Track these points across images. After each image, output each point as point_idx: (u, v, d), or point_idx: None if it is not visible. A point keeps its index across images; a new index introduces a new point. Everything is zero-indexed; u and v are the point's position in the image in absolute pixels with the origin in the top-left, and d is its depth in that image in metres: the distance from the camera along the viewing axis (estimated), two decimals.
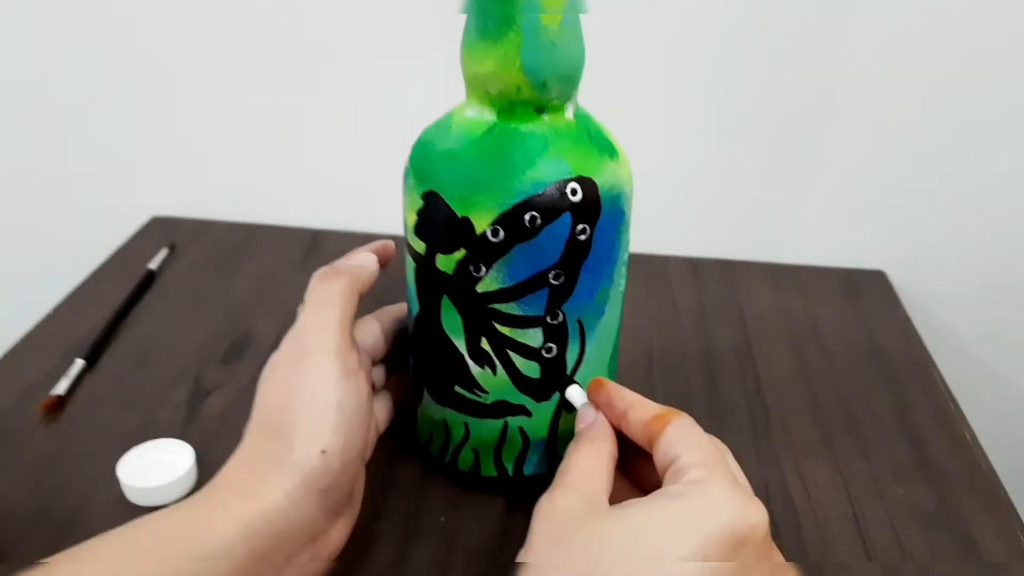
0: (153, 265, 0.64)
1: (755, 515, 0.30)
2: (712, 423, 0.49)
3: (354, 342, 0.38)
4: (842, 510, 0.43)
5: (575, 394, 0.39)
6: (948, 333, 0.68)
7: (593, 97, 0.41)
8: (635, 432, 0.35)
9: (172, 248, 0.67)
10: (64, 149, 0.72)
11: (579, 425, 0.38)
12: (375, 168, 0.67)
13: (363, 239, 0.47)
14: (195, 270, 0.65)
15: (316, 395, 0.36)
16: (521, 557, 0.32)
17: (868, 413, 0.51)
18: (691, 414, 0.49)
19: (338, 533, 0.38)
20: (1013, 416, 0.71)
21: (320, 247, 0.68)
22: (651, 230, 0.67)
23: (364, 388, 0.37)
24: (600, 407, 0.37)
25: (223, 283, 0.63)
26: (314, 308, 0.38)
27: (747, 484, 0.34)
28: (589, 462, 0.35)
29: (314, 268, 0.41)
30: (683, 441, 0.33)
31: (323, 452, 0.35)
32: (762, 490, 0.45)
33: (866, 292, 0.64)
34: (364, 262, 0.41)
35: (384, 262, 0.43)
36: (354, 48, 0.64)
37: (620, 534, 0.30)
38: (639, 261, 0.66)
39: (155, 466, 0.44)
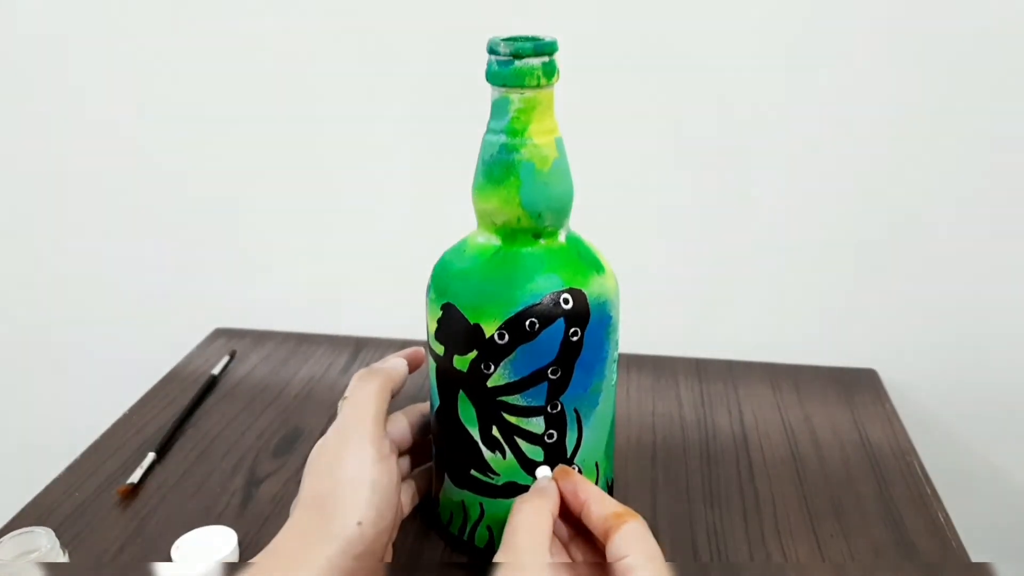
0: (215, 371, 0.73)
1: None
2: (706, 506, 0.55)
3: (386, 432, 0.46)
4: None
5: (542, 472, 0.44)
6: (931, 423, 0.73)
7: (600, 221, 0.49)
8: (593, 521, 0.40)
9: (232, 355, 0.76)
10: (137, 269, 0.81)
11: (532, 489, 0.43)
12: (409, 282, 0.76)
13: (399, 345, 0.55)
14: (252, 375, 0.73)
15: (355, 476, 0.43)
16: None
17: (851, 498, 0.56)
18: (688, 497, 0.56)
19: None
20: (988, 498, 0.75)
21: (363, 353, 0.76)
22: (661, 335, 0.74)
23: (394, 471, 0.45)
24: (563, 492, 0.42)
25: (277, 386, 0.71)
26: (355, 403, 0.46)
27: None
28: (530, 520, 0.39)
29: (357, 371, 0.49)
30: (637, 543, 0.38)
31: (359, 523, 0.42)
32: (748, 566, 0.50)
33: (857, 388, 0.69)
34: (397, 366, 0.49)
35: (414, 366, 0.51)
36: (391, 178, 0.74)
37: None
38: (649, 362, 0.73)
39: (203, 550, 0.51)
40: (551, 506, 0.41)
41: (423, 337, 0.48)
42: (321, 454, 0.45)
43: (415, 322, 0.56)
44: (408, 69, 0.70)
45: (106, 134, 0.76)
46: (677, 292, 0.74)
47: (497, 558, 0.38)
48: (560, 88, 0.44)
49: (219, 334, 0.81)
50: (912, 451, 0.61)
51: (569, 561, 0.42)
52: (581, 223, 0.48)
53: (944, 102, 0.65)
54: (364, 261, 0.78)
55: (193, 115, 0.75)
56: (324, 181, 0.75)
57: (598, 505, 0.41)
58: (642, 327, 0.68)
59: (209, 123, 0.75)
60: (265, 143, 0.75)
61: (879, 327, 0.72)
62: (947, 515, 0.54)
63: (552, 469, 0.45)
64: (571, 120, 0.47)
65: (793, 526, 0.53)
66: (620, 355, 0.51)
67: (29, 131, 0.78)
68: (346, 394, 0.48)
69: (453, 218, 0.49)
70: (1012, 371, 0.72)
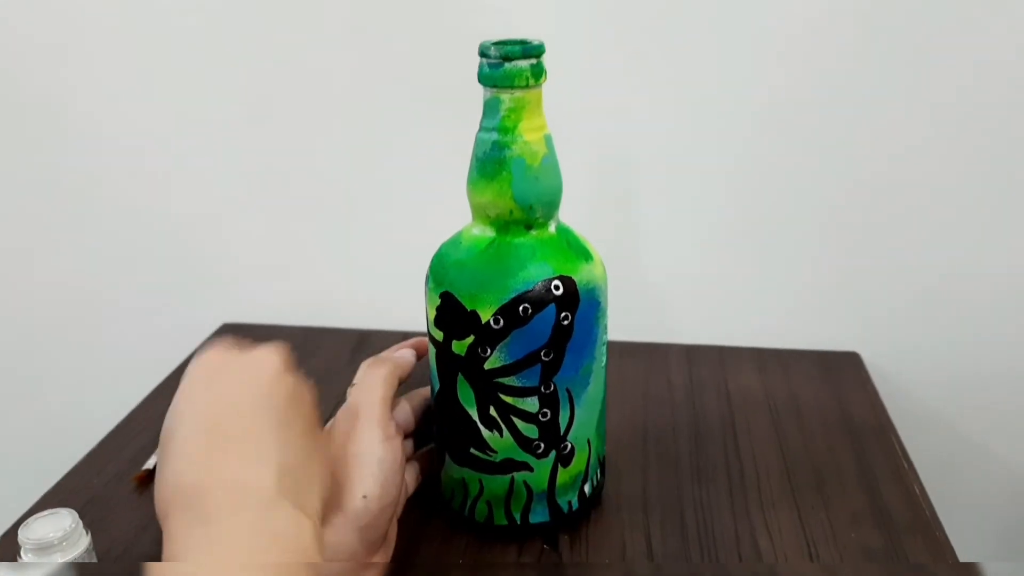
0: None
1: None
2: (694, 481, 0.58)
3: (392, 416, 0.49)
4: (800, 551, 0.51)
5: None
6: (911, 403, 0.75)
7: (588, 213, 0.52)
8: None
9: None
10: (147, 266, 0.83)
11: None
12: (409, 275, 0.79)
13: (402, 336, 0.58)
14: None
15: (362, 453, 0.46)
16: None
17: (832, 472, 0.59)
18: (677, 474, 0.58)
19: (374, 568, 0.47)
20: (962, 469, 0.78)
21: (366, 344, 0.79)
22: (653, 323, 0.77)
23: (399, 451, 0.48)
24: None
25: None
26: (363, 388, 0.49)
27: None
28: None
29: (360, 362, 0.52)
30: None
31: (364, 497, 0.44)
32: (732, 538, 0.53)
33: (841, 371, 0.72)
34: (405, 356, 0.53)
35: (420, 356, 0.54)
36: (391, 175, 0.77)
37: None
38: (641, 348, 0.76)
39: None
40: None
41: (424, 328, 0.51)
42: (330, 435, 0.48)
43: (417, 314, 0.59)
44: (406, 70, 0.72)
45: (112, 127, 0.78)
46: (665, 280, 0.76)
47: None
48: (547, 86, 0.46)
49: (227, 329, 0.83)
50: (891, 428, 0.63)
51: None
52: (571, 215, 0.51)
53: (921, 78, 0.67)
54: (366, 256, 0.80)
55: (198, 111, 0.77)
56: (326, 179, 0.78)
57: None
58: (634, 316, 0.71)
59: (213, 119, 0.77)
60: (269, 140, 0.77)
61: (862, 311, 0.75)
62: (923, 487, 0.56)
63: (549, 449, 0.48)
64: (559, 116, 0.49)
65: (776, 499, 0.56)
66: (613, 343, 0.54)
67: (31, 125, 0.79)
68: (355, 380, 0.51)
69: (450, 212, 0.52)
70: (992, 353, 0.75)
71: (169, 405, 0.41)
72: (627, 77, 0.70)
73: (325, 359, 0.77)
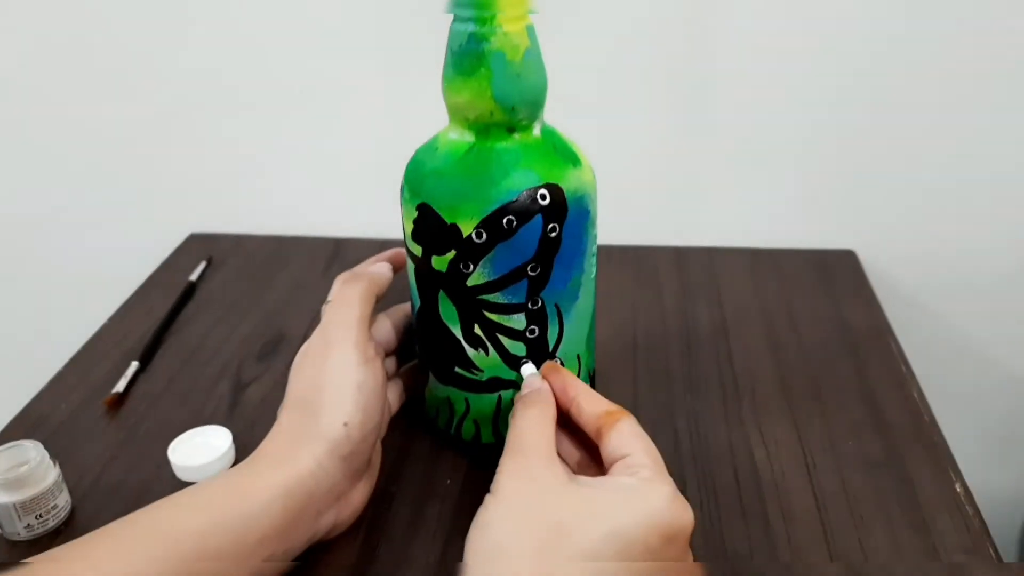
0: (193, 277, 0.72)
1: (689, 519, 0.37)
2: (686, 392, 0.56)
3: (371, 335, 0.46)
4: (797, 461, 0.50)
5: (528, 370, 0.45)
6: (910, 304, 0.74)
7: (575, 110, 0.48)
8: (584, 419, 0.41)
9: (209, 261, 0.75)
10: (106, 175, 0.79)
11: (524, 390, 0.44)
12: (385, 181, 0.75)
13: (379, 246, 0.54)
14: (231, 280, 0.73)
15: (340, 378, 0.43)
16: (490, 504, 0.37)
17: (829, 378, 0.57)
18: (668, 385, 0.56)
19: (359, 495, 0.45)
20: (961, 373, 0.77)
21: (342, 254, 0.75)
22: (641, 225, 0.74)
23: (380, 373, 0.45)
24: (553, 388, 0.43)
25: (256, 290, 0.71)
26: (339, 307, 0.46)
27: None
28: (537, 425, 0.40)
29: (336, 273, 0.48)
30: (635, 441, 0.39)
31: (345, 424, 0.42)
32: (726, 448, 0.51)
33: (836, 271, 0.70)
34: (381, 270, 0.49)
35: (396, 268, 0.51)
36: (362, 75, 0.72)
37: (580, 504, 0.36)
38: (628, 252, 0.73)
39: (199, 448, 0.52)
40: (551, 411, 0.42)
41: (401, 236, 0.48)
42: (306, 357, 0.45)
43: (394, 220, 0.55)
44: None
45: (83, 36, 0.73)
46: (656, 181, 0.73)
47: (505, 463, 0.38)
48: None
49: (194, 239, 0.80)
50: (889, 331, 0.62)
51: (565, 461, 0.42)
52: (554, 115, 0.47)
53: None
54: (338, 161, 0.76)
55: (167, 18, 0.71)
56: (295, 83, 0.73)
57: (588, 403, 0.41)
58: (622, 218, 0.67)
59: (183, 27, 0.72)
60: (235, 44, 0.72)
61: (857, 209, 0.72)
62: (921, 392, 0.55)
63: (537, 366, 0.46)
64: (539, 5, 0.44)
65: (772, 408, 0.54)
66: (600, 247, 0.50)
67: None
68: (329, 298, 0.48)
69: (426, 112, 0.48)
70: (992, 254, 0.73)
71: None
72: None
73: (299, 270, 0.73)
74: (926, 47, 0.66)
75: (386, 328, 0.51)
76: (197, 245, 0.78)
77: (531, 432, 0.40)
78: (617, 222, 0.62)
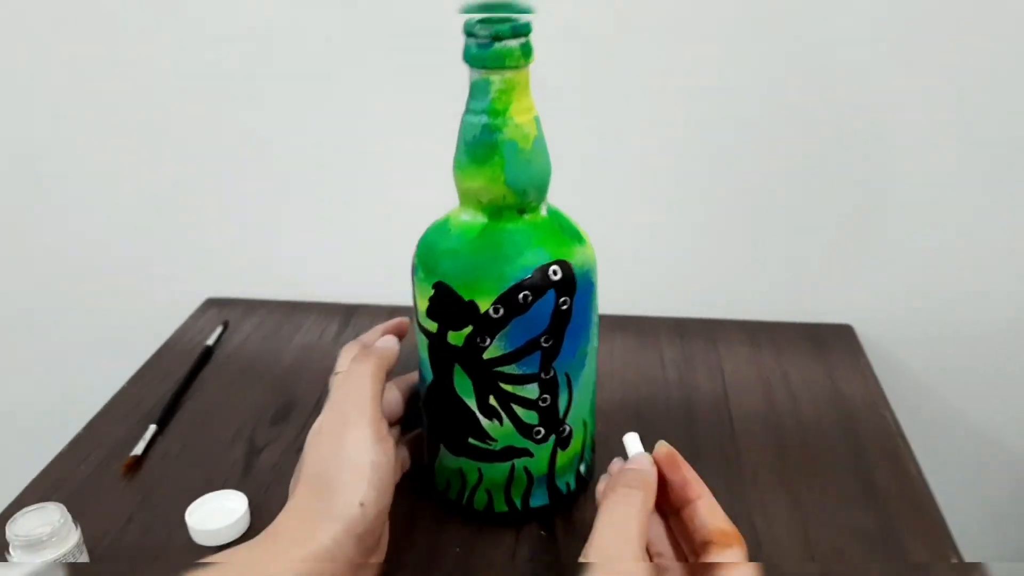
0: (210, 341, 0.74)
1: None
2: (687, 461, 0.57)
3: (383, 414, 0.47)
4: (794, 535, 0.51)
5: (632, 441, 0.42)
6: (905, 377, 0.76)
7: (576, 192, 0.51)
8: (696, 525, 0.39)
9: (225, 326, 0.77)
10: (124, 239, 0.81)
11: (630, 465, 0.41)
12: (396, 249, 0.77)
13: (389, 312, 0.56)
14: (246, 344, 0.75)
15: (357, 457, 0.44)
16: None
17: (826, 452, 0.58)
18: None
19: (371, 569, 0.46)
20: (959, 448, 0.79)
21: (353, 320, 0.78)
22: (642, 296, 0.76)
23: (392, 450, 0.46)
24: (669, 482, 0.40)
25: (271, 355, 0.73)
26: (353, 384, 0.46)
27: None
28: (636, 518, 0.37)
29: (349, 339, 0.50)
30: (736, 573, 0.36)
31: (362, 504, 0.43)
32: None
33: (833, 344, 0.72)
34: (389, 344, 0.50)
35: (401, 336, 0.53)
36: (377, 146, 0.74)
37: None
38: (631, 322, 0.75)
39: (216, 512, 0.53)
40: (648, 502, 0.39)
41: (410, 301, 0.50)
42: (320, 435, 0.45)
43: (403, 288, 0.58)
44: (387, 40, 0.70)
45: (93, 103, 0.76)
46: (656, 255, 0.75)
47: (585, 557, 0.37)
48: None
49: (211, 304, 0.82)
50: (885, 404, 0.63)
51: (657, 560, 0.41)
52: (556, 196, 0.49)
53: (914, 54, 0.66)
54: (351, 228, 0.79)
55: (186, 83, 0.74)
56: (309, 153, 0.76)
57: (709, 512, 0.39)
58: (624, 290, 0.70)
59: (200, 92, 0.74)
60: (252, 114, 0.75)
61: (854, 283, 0.75)
62: (919, 467, 0.56)
63: (554, 434, 0.47)
64: (537, 96, 0.47)
65: (770, 482, 0.56)
66: (604, 317, 0.53)
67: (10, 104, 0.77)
68: (337, 368, 0.50)
69: (434, 185, 0.50)
70: (987, 325, 0.75)
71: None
72: (610, 46, 0.68)
73: (311, 335, 0.76)
74: (927, 116, 0.68)
75: (395, 400, 0.52)
76: (213, 310, 0.81)
77: (618, 525, 0.37)
78: (620, 295, 0.65)
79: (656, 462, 0.41)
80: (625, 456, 0.42)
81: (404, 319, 0.53)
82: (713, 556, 0.38)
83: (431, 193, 0.50)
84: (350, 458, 0.44)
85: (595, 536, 0.37)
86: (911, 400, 0.71)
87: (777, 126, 0.70)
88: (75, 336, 0.86)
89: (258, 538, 0.43)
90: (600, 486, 0.42)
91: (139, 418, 0.64)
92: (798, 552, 0.50)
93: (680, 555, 0.41)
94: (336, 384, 0.48)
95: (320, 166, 0.76)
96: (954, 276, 0.73)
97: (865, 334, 0.74)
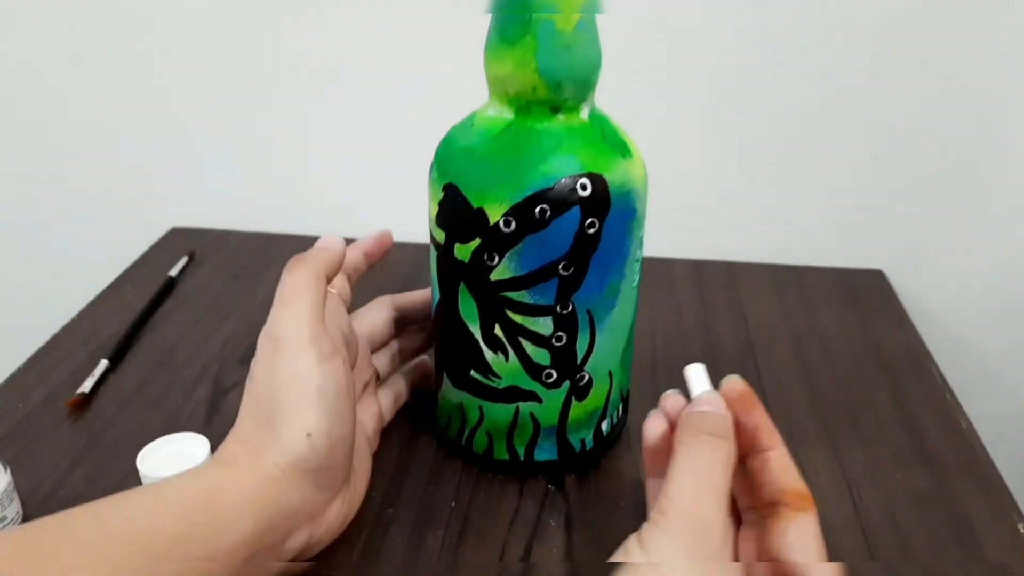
0: (173, 272, 0.66)
1: None
2: None
3: (326, 328, 0.38)
4: (841, 495, 0.45)
5: (695, 373, 0.35)
6: (945, 328, 0.70)
7: (605, 100, 0.43)
8: (766, 480, 0.33)
9: (191, 257, 0.69)
10: (86, 165, 0.74)
11: (698, 407, 0.34)
12: (378, 178, 0.70)
13: None
14: (213, 278, 0.67)
15: (296, 382, 0.36)
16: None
17: (866, 405, 0.52)
18: None
19: (335, 514, 0.39)
20: (1009, 406, 0.73)
21: None
22: (656, 234, 0.69)
23: (342, 372, 0.38)
24: (739, 420, 0.33)
25: (241, 290, 0.65)
26: (283, 301, 0.38)
27: None
28: (722, 483, 0.31)
29: None
30: (814, 545, 0.31)
31: (308, 435, 0.36)
32: None
33: (865, 291, 0.66)
34: (328, 245, 0.41)
35: (379, 253, 0.45)
36: (371, 57, 0.67)
37: None
38: (644, 263, 0.68)
39: (173, 457, 0.46)
40: (734, 456, 0.32)
41: (406, 239, 0.43)
42: (257, 364, 0.38)
43: (387, 220, 0.51)
44: None
45: (61, 21, 0.69)
46: (677, 188, 0.68)
47: (662, 512, 0.30)
48: None
49: (176, 234, 0.74)
50: (928, 356, 0.57)
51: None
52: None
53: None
54: (331, 156, 0.71)
55: (155, 8, 0.67)
56: (287, 75, 0.68)
57: (781, 467, 0.33)
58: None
59: (170, 17, 0.67)
60: (224, 36, 0.68)
61: (886, 227, 0.68)
62: (971, 424, 0.51)
63: (570, 380, 0.40)
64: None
65: (809, 436, 0.49)
66: None
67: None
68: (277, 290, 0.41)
69: (427, 106, 0.43)
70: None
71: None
72: None
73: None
74: (959, 69, 0.63)
75: (374, 319, 0.46)
76: (179, 239, 0.73)
77: (718, 481, 0.31)
78: None
79: (728, 402, 0.34)
80: (685, 391, 0.35)
81: (387, 232, 0.46)
82: (784, 519, 0.31)
83: (420, 122, 0.44)
84: (290, 384, 0.36)
85: (679, 488, 0.31)
86: (952, 351, 0.65)
87: (810, 62, 0.63)
88: (35, 264, 0.78)
89: (201, 466, 0.37)
90: (652, 424, 0.35)
91: (89, 354, 0.56)
92: (849, 517, 0.43)
93: (736, 509, 0.35)
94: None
95: (300, 91, 0.69)
96: (989, 220, 0.67)
97: (898, 281, 0.68)
